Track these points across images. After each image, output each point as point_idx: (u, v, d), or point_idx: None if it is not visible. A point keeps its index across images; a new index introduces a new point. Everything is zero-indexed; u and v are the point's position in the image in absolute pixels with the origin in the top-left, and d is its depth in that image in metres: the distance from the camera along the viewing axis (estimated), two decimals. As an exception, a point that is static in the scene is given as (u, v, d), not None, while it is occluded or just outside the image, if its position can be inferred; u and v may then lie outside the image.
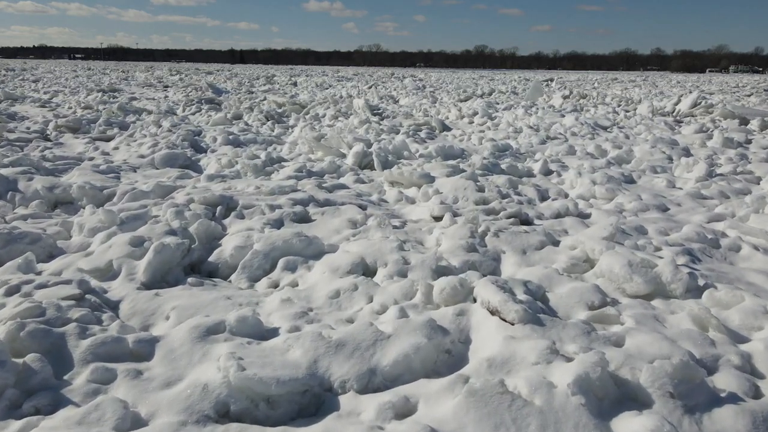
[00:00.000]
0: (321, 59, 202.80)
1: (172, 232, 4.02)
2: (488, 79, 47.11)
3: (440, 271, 3.54)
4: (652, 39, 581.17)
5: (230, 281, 3.69)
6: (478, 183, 5.92)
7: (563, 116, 13.14)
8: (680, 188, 6.63)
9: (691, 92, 28.77)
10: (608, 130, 11.77)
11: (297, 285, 3.56)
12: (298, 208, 4.82)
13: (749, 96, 26.49)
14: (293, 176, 6.52)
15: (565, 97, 20.80)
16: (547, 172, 7.26)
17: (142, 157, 7.76)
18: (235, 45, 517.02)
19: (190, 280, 3.43)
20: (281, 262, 3.76)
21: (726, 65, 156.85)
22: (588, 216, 5.36)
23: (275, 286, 3.59)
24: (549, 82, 37.87)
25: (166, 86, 28.14)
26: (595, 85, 39.37)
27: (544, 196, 6.11)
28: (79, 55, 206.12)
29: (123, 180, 6.39)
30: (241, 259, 3.83)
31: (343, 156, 8.13)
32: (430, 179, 6.13)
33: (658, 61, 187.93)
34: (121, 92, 22.98)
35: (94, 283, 3.35)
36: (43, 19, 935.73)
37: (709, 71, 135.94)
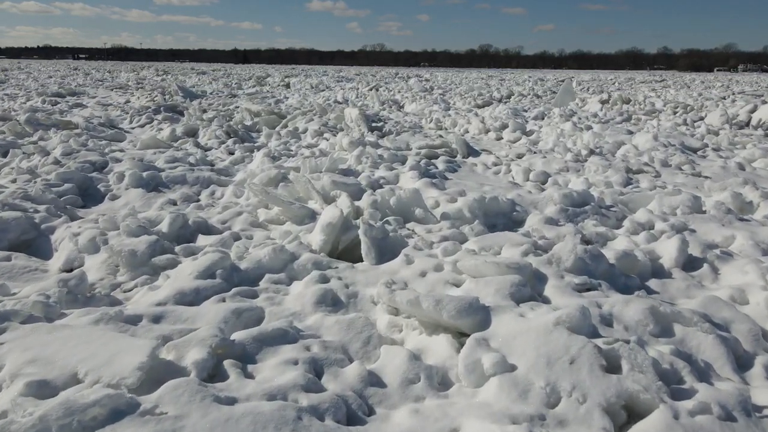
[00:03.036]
0: (324, 59, 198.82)
1: None
2: (499, 79, 43.56)
3: None
4: (655, 38, 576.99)
5: None
6: (600, 345, 2.49)
7: (631, 133, 9.64)
8: None
9: (729, 93, 25.22)
10: (701, 153, 8.34)
11: None
12: None
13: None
14: (189, 293, 3.13)
15: (603, 102, 17.33)
16: (689, 265, 3.86)
17: (-49, 225, 4.38)
18: (238, 45, 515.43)
19: None
20: None
21: (734, 64, 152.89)
22: None
23: None
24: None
25: (140, 88, 24.79)
26: (616, 85, 35.83)
27: (734, 352, 2.72)
28: (83, 56, 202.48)
29: None
30: None
31: (313, 217, 4.75)
32: (481, 316, 2.72)
33: (665, 60, 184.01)
34: (80, 96, 19.62)
35: None
36: (47, 19, 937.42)
37: (717, 70, 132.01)
